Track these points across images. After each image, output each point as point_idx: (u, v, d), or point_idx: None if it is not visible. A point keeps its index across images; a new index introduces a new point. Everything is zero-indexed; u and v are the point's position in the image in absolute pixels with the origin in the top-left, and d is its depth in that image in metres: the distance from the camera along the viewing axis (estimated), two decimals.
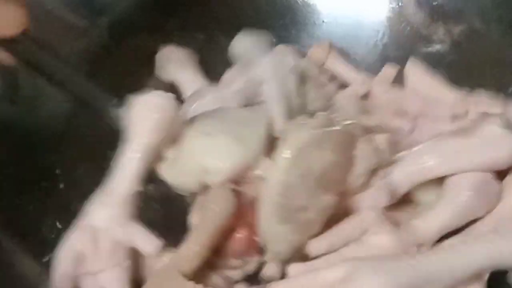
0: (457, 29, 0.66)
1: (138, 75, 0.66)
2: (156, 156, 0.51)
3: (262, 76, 0.57)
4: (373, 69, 0.68)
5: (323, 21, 0.71)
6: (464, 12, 0.66)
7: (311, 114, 0.49)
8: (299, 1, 0.72)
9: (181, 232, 0.50)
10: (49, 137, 0.61)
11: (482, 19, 0.65)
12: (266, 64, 0.58)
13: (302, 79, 0.58)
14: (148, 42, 0.68)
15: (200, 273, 0.47)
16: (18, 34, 0.47)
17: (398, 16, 0.69)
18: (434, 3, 0.67)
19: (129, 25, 0.68)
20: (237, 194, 0.48)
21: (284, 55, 0.60)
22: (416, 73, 0.62)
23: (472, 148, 0.49)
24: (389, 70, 0.65)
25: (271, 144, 0.49)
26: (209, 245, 0.46)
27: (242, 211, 0.48)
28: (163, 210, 0.54)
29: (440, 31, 0.66)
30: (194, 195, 0.52)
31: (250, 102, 0.56)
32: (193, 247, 0.46)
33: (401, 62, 0.65)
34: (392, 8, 0.70)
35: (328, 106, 0.59)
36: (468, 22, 0.66)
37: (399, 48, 0.68)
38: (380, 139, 0.50)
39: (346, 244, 0.47)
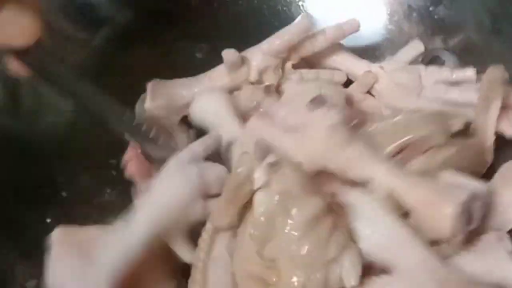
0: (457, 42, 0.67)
1: (139, 86, 0.67)
2: None
3: None
4: None
5: None
6: (464, 25, 0.67)
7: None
8: (301, 12, 0.73)
9: None
10: (51, 146, 0.61)
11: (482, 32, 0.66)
12: None
13: None
14: (149, 53, 0.68)
15: None
16: (32, 44, 0.47)
17: (399, 29, 0.71)
18: (435, 17, 0.68)
19: (130, 36, 0.68)
20: None
21: None
22: None
23: None
24: (368, 77, 0.64)
25: None
26: (235, 201, 0.47)
27: None
28: None
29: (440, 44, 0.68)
30: None
31: None
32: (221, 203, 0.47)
33: None
34: (394, 21, 0.71)
35: None
36: (468, 35, 0.67)
37: None
38: None
39: None
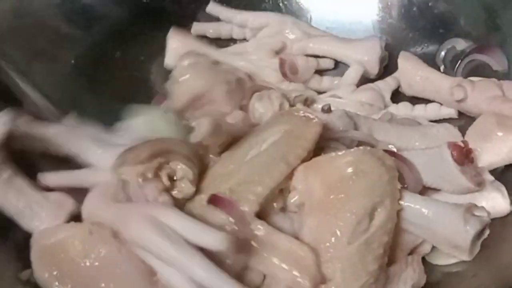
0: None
1: (131, 84, 0.66)
2: None
3: None
4: None
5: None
6: (463, 20, 0.68)
7: None
8: (301, 6, 0.74)
9: None
10: None
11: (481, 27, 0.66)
12: None
13: None
14: (141, 51, 0.68)
15: None
16: None
17: (399, 23, 0.71)
18: (435, 11, 0.69)
19: (123, 34, 0.69)
20: None
21: None
22: (410, 62, 0.64)
23: None
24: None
25: None
26: None
27: None
28: None
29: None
30: None
31: None
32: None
33: None
34: (395, 15, 0.71)
35: None
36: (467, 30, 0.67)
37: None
38: None
39: None
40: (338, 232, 0.44)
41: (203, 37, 0.72)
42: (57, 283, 0.46)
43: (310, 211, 0.46)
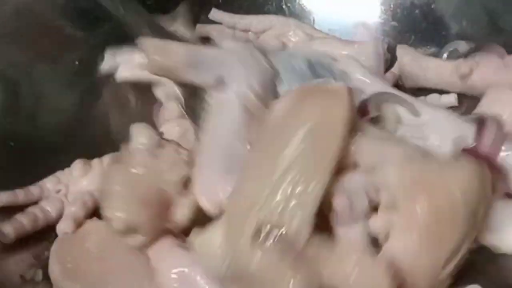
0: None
1: (133, 85, 0.66)
2: None
3: None
4: None
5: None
6: (465, 22, 0.68)
7: None
8: (304, 9, 0.75)
9: None
10: (51, 144, 0.60)
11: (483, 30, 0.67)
12: None
13: None
14: None
15: None
16: None
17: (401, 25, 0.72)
18: (438, 14, 0.70)
19: (125, 36, 0.68)
20: None
21: None
22: (409, 52, 0.65)
23: None
24: None
25: None
26: None
27: None
28: None
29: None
30: None
31: None
32: None
33: None
34: (397, 17, 0.72)
35: None
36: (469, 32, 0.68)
37: None
38: None
39: None
40: (437, 260, 0.41)
41: (206, 39, 0.72)
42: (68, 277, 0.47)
43: (407, 227, 0.42)
